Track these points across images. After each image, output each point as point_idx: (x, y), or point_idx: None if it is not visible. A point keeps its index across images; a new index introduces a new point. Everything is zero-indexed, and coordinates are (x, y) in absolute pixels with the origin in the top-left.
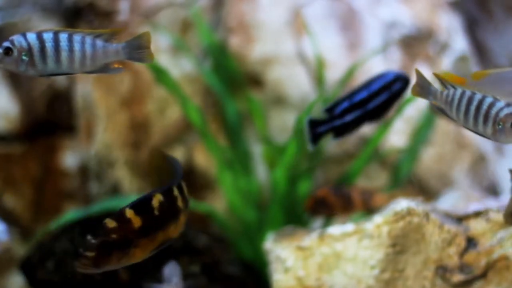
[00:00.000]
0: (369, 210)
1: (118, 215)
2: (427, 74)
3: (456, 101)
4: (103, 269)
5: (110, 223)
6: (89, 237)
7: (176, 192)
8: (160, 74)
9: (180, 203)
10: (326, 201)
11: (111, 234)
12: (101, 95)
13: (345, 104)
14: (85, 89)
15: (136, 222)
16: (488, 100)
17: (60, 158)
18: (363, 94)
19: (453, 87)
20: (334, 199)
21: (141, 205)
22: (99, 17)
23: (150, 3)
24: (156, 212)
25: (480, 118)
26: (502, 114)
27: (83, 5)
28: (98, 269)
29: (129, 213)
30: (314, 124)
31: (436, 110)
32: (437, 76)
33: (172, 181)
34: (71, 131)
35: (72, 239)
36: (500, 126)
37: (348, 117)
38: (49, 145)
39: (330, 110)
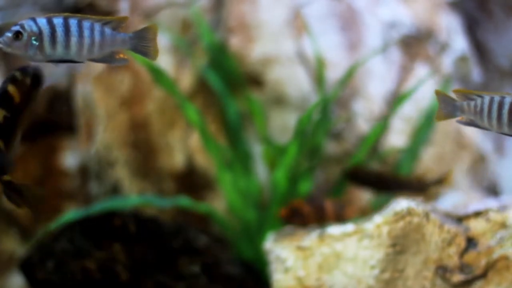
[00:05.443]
0: (342, 221)
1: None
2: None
3: (486, 109)
4: None
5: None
6: None
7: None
8: (157, 75)
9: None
10: (301, 211)
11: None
12: (101, 95)
13: None
14: (85, 89)
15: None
16: None
17: (60, 158)
18: None
19: (479, 96)
20: (308, 210)
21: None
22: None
23: (150, 3)
24: None
25: None
26: None
27: (83, 5)
28: None
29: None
30: None
31: (465, 125)
32: (458, 91)
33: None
34: (71, 131)
35: (72, 239)
36: None
37: None
38: (49, 145)
39: None
